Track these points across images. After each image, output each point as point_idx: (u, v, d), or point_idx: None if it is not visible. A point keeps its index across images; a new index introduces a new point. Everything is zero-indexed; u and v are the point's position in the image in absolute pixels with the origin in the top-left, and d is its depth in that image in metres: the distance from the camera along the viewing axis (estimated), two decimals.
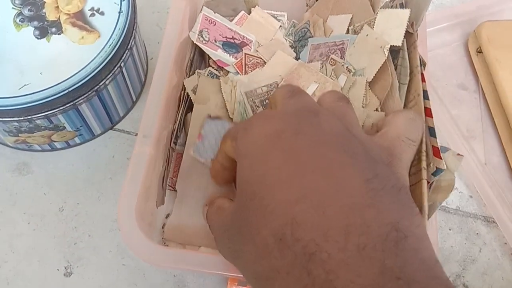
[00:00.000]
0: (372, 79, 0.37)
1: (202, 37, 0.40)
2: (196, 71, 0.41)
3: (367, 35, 0.37)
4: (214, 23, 0.41)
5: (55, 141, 0.42)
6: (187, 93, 0.39)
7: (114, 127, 0.45)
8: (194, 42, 0.40)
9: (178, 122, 0.38)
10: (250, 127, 0.25)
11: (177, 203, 0.35)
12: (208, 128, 0.35)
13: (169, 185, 0.38)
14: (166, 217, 0.37)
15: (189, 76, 0.40)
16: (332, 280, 0.18)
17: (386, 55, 0.36)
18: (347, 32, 0.40)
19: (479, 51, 0.48)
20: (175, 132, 0.38)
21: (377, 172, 0.21)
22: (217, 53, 0.41)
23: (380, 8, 0.37)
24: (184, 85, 0.39)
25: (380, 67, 0.36)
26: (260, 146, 0.23)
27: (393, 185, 0.21)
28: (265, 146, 0.23)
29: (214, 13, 0.42)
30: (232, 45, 0.42)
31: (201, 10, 0.41)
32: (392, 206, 0.20)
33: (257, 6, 0.44)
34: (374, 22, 0.38)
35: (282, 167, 0.21)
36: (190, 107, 0.39)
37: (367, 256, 0.18)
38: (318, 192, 0.20)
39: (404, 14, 0.35)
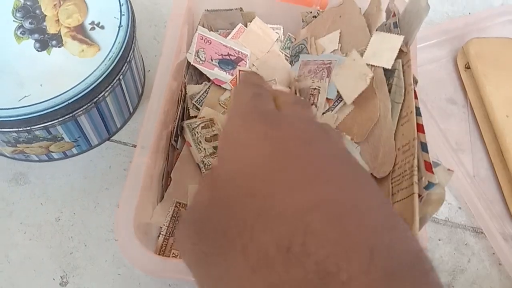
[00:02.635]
0: (357, 110, 0.38)
1: (199, 57, 0.42)
2: (204, 83, 0.43)
3: (354, 59, 0.38)
4: (209, 41, 0.43)
5: (52, 152, 0.42)
6: (185, 94, 0.41)
7: (111, 138, 0.45)
8: (192, 63, 0.41)
9: (177, 120, 0.40)
10: (250, 125, 0.21)
11: (169, 191, 0.38)
12: None
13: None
14: (161, 227, 0.37)
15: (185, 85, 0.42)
16: None
17: (368, 83, 0.37)
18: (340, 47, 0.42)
19: (467, 67, 0.50)
20: (174, 130, 0.39)
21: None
22: (214, 72, 0.42)
23: (376, 30, 0.38)
24: (184, 89, 0.42)
25: (369, 98, 0.37)
26: (266, 146, 0.20)
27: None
28: (272, 148, 0.20)
29: (210, 31, 0.43)
30: (228, 62, 0.43)
31: (197, 30, 0.42)
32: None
33: (256, 17, 0.45)
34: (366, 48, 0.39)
35: (292, 171, 0.19)
36: (186, 107, 0.42)
37: (395, 283, 0.16)
38: (335, 203, 0.18)
39: (397, 40, 0.37)
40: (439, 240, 0.43)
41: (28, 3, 0.40)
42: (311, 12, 0.45)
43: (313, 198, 0.18)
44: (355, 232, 0.17)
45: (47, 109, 0.36)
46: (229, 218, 0.19)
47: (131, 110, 0.46)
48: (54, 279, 0.39)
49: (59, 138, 0.40)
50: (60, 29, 0.39)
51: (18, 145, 0.40)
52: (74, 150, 0.43)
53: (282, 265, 0.16)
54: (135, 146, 0.44)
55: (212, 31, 0.45)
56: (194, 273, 0.20)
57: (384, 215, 0.18)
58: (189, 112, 0.42)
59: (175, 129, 0.40)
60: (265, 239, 0.17)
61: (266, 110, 0.23)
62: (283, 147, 0.20)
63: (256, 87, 0.25)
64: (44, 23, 0.39)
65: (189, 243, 0.20)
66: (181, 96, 0.41)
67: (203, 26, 0.44)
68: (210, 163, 0.38)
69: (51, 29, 0.39)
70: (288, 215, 0.17)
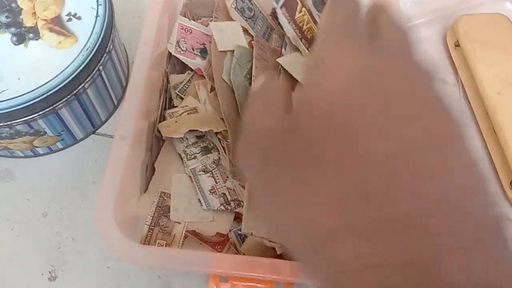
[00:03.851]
0: None
1: (179, 47, 0.41)
2: (187, 72, 0.42)
3: None
4: (190, 31, 0.42)
5: (37, 147, 0.42)
6: (167, 83, 0.41)
7: (97, 131, 0.45)
8: (173, 53, 0.41)
9: (160, 110, 0.39)
10: (344, 52, 0.20)
11: (153, 181, 0.38)
12: None
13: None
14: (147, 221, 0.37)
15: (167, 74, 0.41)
16: (441, 264, 0.15)
17: None
18: None
19: (457, 45, 0.48)
20: (157, 121, 0.39)
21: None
22: (195, 62, 0.42)
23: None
24: (167, 78, 0.41)
25: None
26: (357, 77, 0.18)
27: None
28: (364, 81, 0.18)
29: (191, 19, 0.43)
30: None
31: (176, 19, 0.42)
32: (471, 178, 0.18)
33: None
34: None
35: (382, 110, 0.17)
36: (170, 97, 0.41)
37: (480, 250, 0.16)
38: (422, 154, 0.17)
39: None
40: None
41: None
42: None
43: (399, 145, 0.17)
44: (445, 190, 0.16)
45: (26, 102, 0.36)
46: (306, 149, 0.18)
47: (116, 103, 0.45)
48: (42, 274, 0.39)
49: (41, 133, 0.40)
50: (37, 22, 0.38)
51: (1, 141, 0.40)
52: (59, 145, 0.43)
53: (360, 208, 0.16)
54: None
55: (194, 20, 0.44)
56: (257, 195, 0.20)
57: (471, 176, 0.18)
58: (173, 102, 0.42)
59: (158, 119, 0.39)
60: (342, 179, 0.17)
61: (362, 35, 0.21)
62: (376, 80, 0.18)
63: (351, 2, 0.22)
64: (21, 17, 0.39)
65: (256, 167, 0.20)
66: (163, 85, 0.40)
67: (185, 16, 0.43)
68: (192, 152, 0.38)
69: (28, 22, 0.38)
70: (371, 161, 0.17)
